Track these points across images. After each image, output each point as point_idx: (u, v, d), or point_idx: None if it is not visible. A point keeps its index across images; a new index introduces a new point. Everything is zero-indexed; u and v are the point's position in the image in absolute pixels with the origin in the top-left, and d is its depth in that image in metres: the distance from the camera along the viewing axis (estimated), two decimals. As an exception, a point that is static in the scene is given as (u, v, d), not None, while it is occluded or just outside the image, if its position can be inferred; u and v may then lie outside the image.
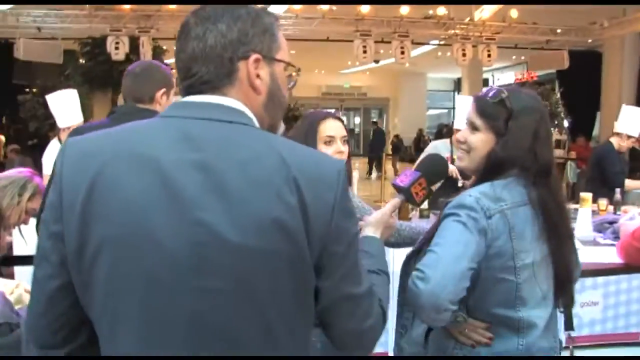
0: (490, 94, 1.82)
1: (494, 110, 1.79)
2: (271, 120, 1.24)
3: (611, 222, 3.11)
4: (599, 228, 3.18)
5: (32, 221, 2.68)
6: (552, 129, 12.55)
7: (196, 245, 1.02)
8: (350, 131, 30.19)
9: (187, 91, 1.17)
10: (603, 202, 4.69)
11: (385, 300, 1.29)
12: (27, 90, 13.29)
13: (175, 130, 1.10)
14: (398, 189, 1.80)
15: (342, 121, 2.57)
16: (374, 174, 19.21)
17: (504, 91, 1.81)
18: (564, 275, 1.79)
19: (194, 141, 1.07)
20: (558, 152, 13.59)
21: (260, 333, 1.07)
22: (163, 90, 2.52)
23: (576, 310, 4.60)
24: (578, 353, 4.52)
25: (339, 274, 1.13)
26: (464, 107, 5.08)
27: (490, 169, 1.78)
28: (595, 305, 4.66)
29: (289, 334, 1.10)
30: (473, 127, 1.83)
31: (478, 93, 1.93)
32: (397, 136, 23.00)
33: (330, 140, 2.45)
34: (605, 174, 5.49)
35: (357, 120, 30.72)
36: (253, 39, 1.17)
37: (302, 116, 2.71)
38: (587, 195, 4.95)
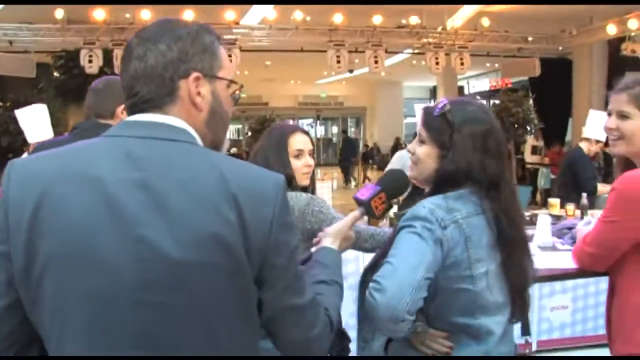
0: (437, 107, 1.85)
1: (437, 124, 1.83)
2: (214, 137, 1.27)
3: (570, 228, 3.17)
4: (559, 234, 3.23)
5: None
6: (527, 135, 12.74)
7: (139, 261, 1.06)
8: (327, 140, 30.51)
9: (131, 110, 1.21)
10: (570, 206, 4.78)
11: (335, 309, 1.33)
12: (0, 104, 13.14)
13: (119, 149, 1.13)
14: (359, 202, 1.83)
15: (309, 135, 2.65)
16: (352, 183, 19.32)
17: (447, 105, 1.83)
18: (518, 282, 1.81)
19: (137, 161, 1.11)
20: (534, 158, 13.78)
21: (205, 344, 1.10)
22: (123, 106, 2.53)
23: (546, 314, 4.69)
24: (550, 355, 4.61)
25: (281, 286, 1.17)
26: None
27: (440, 182, 1.81)
28: (565, 309, 4.76)
29: (233, 344, 1.13)
30: (420, 140, 1.88)
31: (428, 104, 1.97)
32: (366, 145, 23.89)
33: (299, 154, 2.52)
34: (577, 179, 5.58)
35: (335, 129, 30.82)
36: (193, 57, 1.21)
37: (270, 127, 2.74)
38: (554, 201, 5.05)
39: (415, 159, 1.89)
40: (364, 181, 18.48)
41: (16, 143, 10.65)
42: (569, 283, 4.65)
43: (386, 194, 1.83)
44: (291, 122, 16.90)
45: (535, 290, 4.50)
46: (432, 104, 1.94)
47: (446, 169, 1.79)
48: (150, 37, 1.20)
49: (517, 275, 1.80)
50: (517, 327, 2.10)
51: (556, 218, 4.49)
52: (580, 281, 4.63)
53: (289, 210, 1.19)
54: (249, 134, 17.86)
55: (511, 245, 1.78)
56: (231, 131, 29.83)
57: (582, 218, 4.28)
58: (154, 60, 1.18)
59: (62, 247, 1.06)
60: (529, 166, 14.06)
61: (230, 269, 1.09)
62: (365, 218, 2.60)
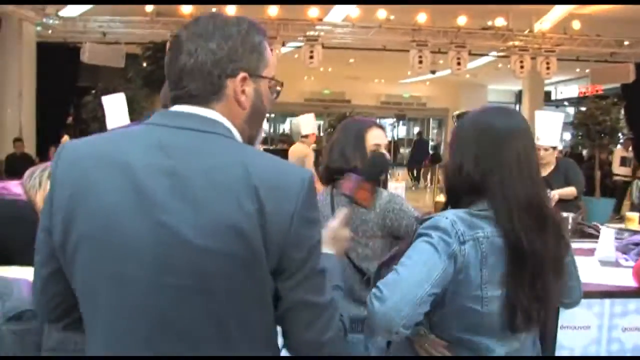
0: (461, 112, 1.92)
1: (454, 127, 1.87)
2: (252, 132, 1.32)
3: (638, 244, 2.98)
4: (624, 249, 3.05)
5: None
6: (615, 145, 12.16)
7: (160, 245, 1.10)
8: (409, 141, 30.24)
9: (175, 101, 1.25)
10: (648, 222, 4.51)
11: (345, 316, 1.31)
12: (92, 92, 13.79)
13: (152, 137, 1.19)
14: (346, 196, 1.83)
15: (384, 129, 2.67)
16: (421, 183, 19.25)
17: (469, 113, 1.85)
18: (538, 305, 1.69)
19: (166, 149, 1.16)
20: (623, 170, 13.07)
21: (214, 328, 1.13)
22: None
23: (617, 334, 4.44)
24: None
25: (298, 278, 1.18)
26: (544, 122, 5.05)
27: (448, 184, 1.82)
28: (639, 330, 4.48)
29: (243, 332, 1.16)
30: None
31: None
32: (435, 147, 24.34)
33: (376, 149, 2.53)
34: None
35: (417, 130, 30.48)
36: (242, 57, 1.25)
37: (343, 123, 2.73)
38: (633, 215, 4.78)
39: None
40: (438, 182, 18.30)
41: (104, 129, 11.15)
42: (646, 302, 4.39)
43: (369, 181, 1.82)
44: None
45: (606, 308, 4.27)
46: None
47: (448, 167, 1.81)
48: (202, 34, 1.24)
49: (523, 292, 1.67)
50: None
51: (633, 233, 4.25)
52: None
53: (314, 206, 1.20)
54: (328, 130, 18.03)
55: (521, 258, 1.66)
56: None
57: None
58: (204, 57, 1.22)
59: (92, 229, 1.13)
60: (617, 178, 13.33)
61: (247, 259, 1.12)
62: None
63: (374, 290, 1.60)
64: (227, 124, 1.23)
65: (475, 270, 1.64)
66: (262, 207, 1.11)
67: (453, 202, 1.78)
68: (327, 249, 1.54)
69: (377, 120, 2.84)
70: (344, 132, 2.61)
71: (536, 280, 1.68)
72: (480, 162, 1.71)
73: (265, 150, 8.71)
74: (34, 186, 2.63)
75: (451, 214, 1.69)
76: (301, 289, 1.18)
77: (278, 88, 1.36)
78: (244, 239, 1.10)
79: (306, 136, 7.74)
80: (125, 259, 1.11)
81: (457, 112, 1.84)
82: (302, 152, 7.57)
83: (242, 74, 1.24)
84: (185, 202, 1.11)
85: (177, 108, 1.24)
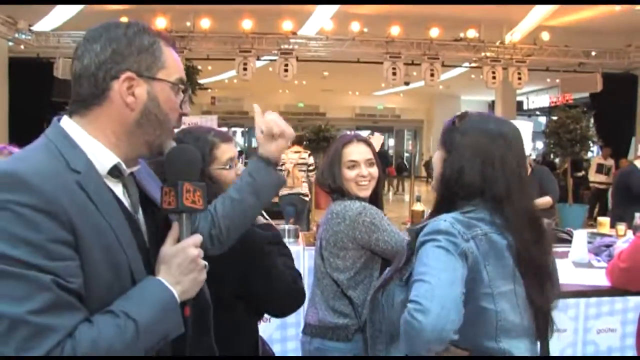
0: (455, 116, 1.87)
1: (448, 130, 1.84)
2: (148, 137, 1.31)
3: (609, 245, 3.07)
4: (596, 250, 3.14)
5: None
6: (585, 152, 12.35)
7: None
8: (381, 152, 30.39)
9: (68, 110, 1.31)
10: (621, 226, 4.63)
11: (88, 340, 1.11)
12: (66, 107, 13.66)
13: None
14: (175, 212, 1.36)
15: (369, 144, 2.62)
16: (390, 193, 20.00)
17: (465, 113, 1.85)
18: (538, 304, 1.75)
19: None
20: (599, 177, 13.26)
21: None
22: None
23: (592, 337, 4.54)
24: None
25: None
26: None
27: (442, 187, 1.81)
28: (612, 332, 4.59)
29: None
30: (438, 145, 1.89)
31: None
32: (401, 157, 25.77)
33: (353, 165, 2.52)
34: (631, 198, 5.41)
35: (391, 142, 30.67)
36: (127, 58, 1.25)
37: (332, 138, 2.78)
38: (604, 220, 4.90)
39: (432, 164, 1.90)
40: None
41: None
42: (618, 305, 4.49)
43: (187, 180, 1.36)
44: (348, 132, 16.94)
45: (581, 310, 4.37)
46: None
47: (446, 172, 1.79)
48: (90, 38, 1.26)
49: (537, 297, 1.74)
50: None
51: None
52: (630, 304, 4.47)
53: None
54: (305, 143, 18.05)
55: (527, 267, 1.72)
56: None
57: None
58: (88, 61, 1.25)
59: None
60: (594, 185, 13.50)
61: None
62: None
63: (411, 305, 1.52)
64: (77, 133, 1.26)
65: (481, 266, 1.66)
66: None
67: (446, 207, 1.78)
68: (162, 273, 1.28)
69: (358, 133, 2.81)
70: (328, 150, 2.65)
71: (544, 285, 1.74)
72: (486, 169, 1.73)
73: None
74: None
75: (447, 216, 1.70)
76: None
77: (181, 97, 1.34)
78: None
79: None
80: None
81: (458, 114, 1.83)
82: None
83: (126, 74, 1.25)
84: None
85: (62, 120, 1.29)
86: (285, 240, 4.28)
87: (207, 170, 1.97)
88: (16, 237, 1.07)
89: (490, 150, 1.75)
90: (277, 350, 3.93)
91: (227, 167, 2.03)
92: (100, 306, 1.17)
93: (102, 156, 1.26)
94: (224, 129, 5.92)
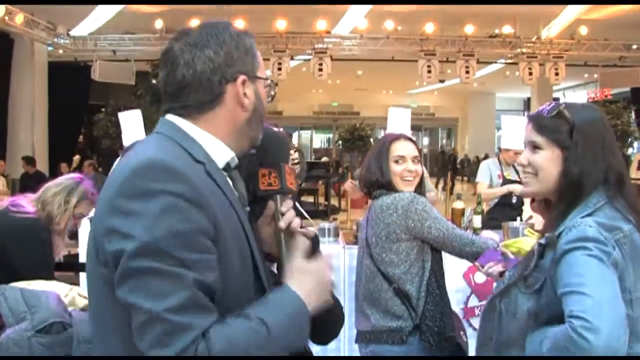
0: (547, 109, 1.71)
1: (553, 124, 1.67)
2: (253, 133, 1.35)
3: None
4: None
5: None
6: (627, 148, 12.07)
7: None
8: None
9: (168, 112, 1.29)
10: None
11: (227, 341, 1.10)
12: (103, 109, 13.92)
13: None
14: (273, 192, 1.40)
15: (415, 142, 2.70)
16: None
17: (561, 104, 1.69)
18: None
19: None
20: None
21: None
22: None
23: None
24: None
25: (118, 273, 1.12)
26: (510, 126, 5.01)
27: (567, 188, 1.65)
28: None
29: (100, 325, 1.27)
30: (534, 147, 1.70)
31: (532, 112, 1.85)
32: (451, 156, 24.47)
33: (400, 160, 2.59)
34: None
35: (425, 140, 30.45)
36: (237, 61, 1.27)
37: (367, 137, 2.81)
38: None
39: (532, 169, 1.70)
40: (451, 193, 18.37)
41: (115, 146, 11.26)
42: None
43: (271, 167, 1.41)
44: (382, 132, 16.91)
45: None
46: (537, 110, 1.80)
47: (572, 170, 1.63)
48: (197, 43, 1.25)
49: None
50: None
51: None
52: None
53: (136, 196, 1.11)
54: (339, 142, 18.03)
55: None
56: (322, 140, 30.13)
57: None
58: (202, 66, 1.24)
59: None
60: (636, 182, 13.16)
61: (90, 251, 1.22)
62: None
63: (578, 323, 1.38)
64: (193, 131, 1.26)
65: (625, 273, 1.53)
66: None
67: (572, 206, 1.64)
68: (288, 280, 1.27)
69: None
70: (373, 146, 2.71)
71: None
72: (607, 155, 1.64)
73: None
74: (60, 205, 2.66)
75: (590, 221, 1.56)
76: (125, 286, 1.10)
77: (273, 92, 1.39)
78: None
79: None
80: None
81: (556, 108, 1.71)
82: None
83: (241, 77, 1.27)
84: None
85: (169, 117, 1.28)
86: (325, 239, 4.29)
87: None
88: (168, 229, 1.08)
89: (607, 136, 1.66)
90: (316, 351, 3.91)
91: None
92: (232, 296, 1.18)
93: (219, 150, 1.28)
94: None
